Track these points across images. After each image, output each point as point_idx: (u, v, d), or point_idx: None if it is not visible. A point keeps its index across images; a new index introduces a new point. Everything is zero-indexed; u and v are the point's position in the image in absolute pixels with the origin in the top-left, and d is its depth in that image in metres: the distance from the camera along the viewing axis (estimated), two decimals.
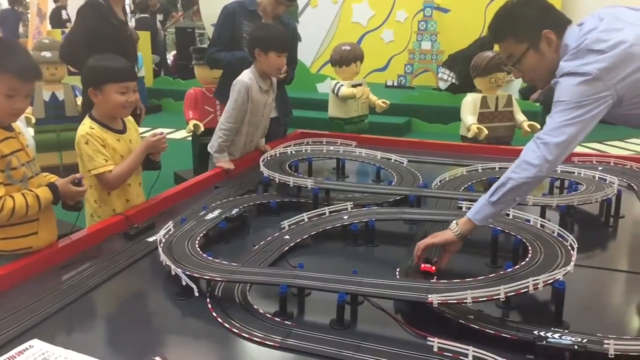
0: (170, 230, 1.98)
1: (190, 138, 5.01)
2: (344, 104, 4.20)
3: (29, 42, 9.78)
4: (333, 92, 4.19)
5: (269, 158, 2.86)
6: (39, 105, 4.26)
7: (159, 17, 12.05)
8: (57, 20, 10.67)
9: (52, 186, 1.89)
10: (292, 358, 1.39)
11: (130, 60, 2.82)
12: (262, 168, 2.67)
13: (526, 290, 1.46)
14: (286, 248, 1.97)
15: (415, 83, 9.29)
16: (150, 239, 2.06)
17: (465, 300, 1.45)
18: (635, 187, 2.66)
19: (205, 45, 7.25)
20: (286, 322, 1.51)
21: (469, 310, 1.52)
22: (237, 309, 1.59)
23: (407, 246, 1.99)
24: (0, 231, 1.82)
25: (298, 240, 2.03)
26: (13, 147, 1.82)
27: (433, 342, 1.35)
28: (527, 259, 1.74)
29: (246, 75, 2.92)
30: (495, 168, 2.76)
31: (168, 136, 2.44)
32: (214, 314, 1.56)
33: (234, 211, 2.20)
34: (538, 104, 6.70)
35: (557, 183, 2.66)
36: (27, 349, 1.36)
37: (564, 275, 1.52)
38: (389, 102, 4.32)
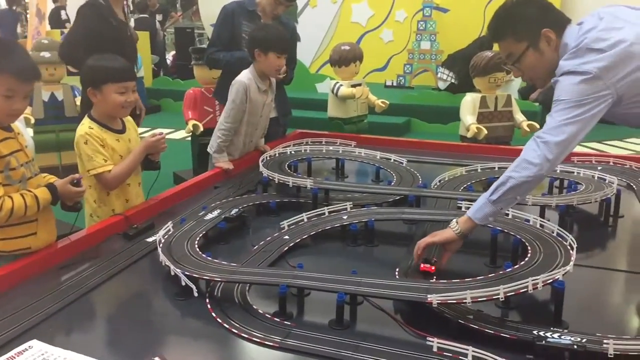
0: (169, 230, 1.98)
1: (189, 138, 5.00)
2: (343, 104, 4.20)
3: (28, 43, 9.78)
4: (332, 92, 4.19)
5: (268, 158, 2.86)
6: (38, 105, 4.25)
7: (158, 17, 12.06)
8: (56, 20, 10.66)
9: (50, 187, 1.89)
10: (292, 358, 1.39)
11: (130, 61, 2.82)
12: (262, 168, 2.67)
13: (525, 290, 1.46)
14: (285, 248, 1.97)
15: (414, 83, 9.29)
16: (150, 239, 2.05)
17: (464, 300, 1.45)
18: (634, 186, 2.66)
19: (204, 46, 7.25)
20: (285, 322, 1.51)
21: (469, 310, 1.52)
22: (236, 309, 1.59)
23: (407, 246, 1.98)
24: None
25: (297, 241, 2.02)
26: (12, 147, 1.82)
27: (432, 342, 1.35)
28: (526, 259, 1.73)
29: (245, 76, 2.92)
30: (494, 168, 2.76)
31: (167, 136, 2.43)
32: (213, 314, 1.56)
33: (234, 211, 2.20)
34: (537, 104, 6.70)
35: (557, 183, 2.66)
36: (26, 349, 1.35)
37: (563, 275, 1.52)
38: (388, 102, 4.32)
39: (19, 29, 13.50)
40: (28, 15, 12.22)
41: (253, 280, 1.68)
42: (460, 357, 1.30)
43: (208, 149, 2.99)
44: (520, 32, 1.84)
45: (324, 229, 2.10)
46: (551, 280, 1.50)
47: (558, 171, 2.65)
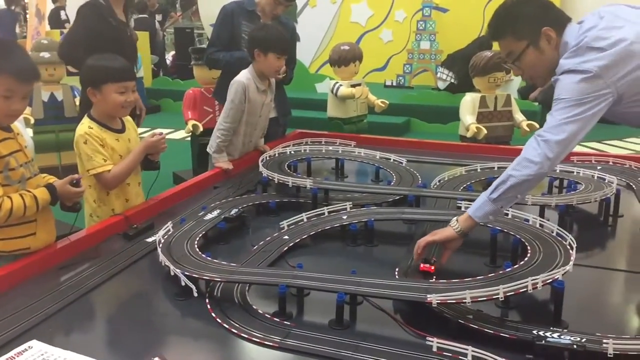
0: (169, 230, 1.98)
1: (189, 138, 5.00)
2: (343, 104, 4.20)
3: (28, 43, 9.76)
4: (332, 92, 4.19)
5: (268, 158, 2.86)
6: (38, 105, 4.25)
7: (158, 17, 12.05)
8: (55, 20, 10.65)
9: (50, 187, 1.89)
10: (291, 358, 1.39)
11: (130, 61, 2.82)
12: (261, 168, 2.67)
13: (525, 289, 1.46)
14: (285, 248, 1.97)
15: (414, 83, 9.29)
16: (150, 240, 2.05)
17: (464, 300, 1.45)
18: (634, 186, 2.66)
19: (204, 46, 7.23)
20: (285, 322, 1.51)
21: (468, 310, 1.52)
22: (236, 309, 1.58)
23: (406, 246, 1.98)
24: None
25: (297, 241, 2.02)
26: (11, 147, 1.82)
27: (432, 342, 1.35)
28: (526, 259, 1.73)
29: (244, 75, 2.92)
30: (494, 168, 2.76)
31: (167, 136, 2.43)
32: (213, 314, 1.56)
33: (233, 211, 2.20)
34: (537, 104, 6.70)
35: (556, 182, 2.66)
36: (26, 349, 1.35)
37: (563, 274, 1.52)
38: (387, 102, 4.32)
39: (17, 29, 13.47)
40: (27, 16, 12.19)
41: (253, 280, 1.68)
42: (460, 357, 1.30)
43: (207, 149, 2.99)
44: (520, 31, 1.84)
45: (323, 229, 2.10)
46: (551, 280, 1.50)
47: (558, 171, 2.65)
